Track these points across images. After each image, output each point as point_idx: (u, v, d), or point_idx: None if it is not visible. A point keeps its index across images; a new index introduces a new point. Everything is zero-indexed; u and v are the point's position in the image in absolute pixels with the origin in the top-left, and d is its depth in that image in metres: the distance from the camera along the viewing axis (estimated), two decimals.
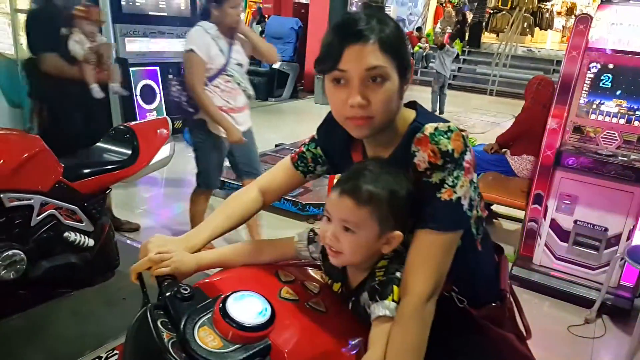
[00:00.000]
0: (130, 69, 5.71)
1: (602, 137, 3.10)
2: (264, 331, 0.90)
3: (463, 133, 1.07)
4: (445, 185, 1.04)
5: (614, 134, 3.07)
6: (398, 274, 1.06)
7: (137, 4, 5.91)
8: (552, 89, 3.61)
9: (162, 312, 0.97)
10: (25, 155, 2.09)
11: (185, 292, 0.98)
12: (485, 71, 13.16)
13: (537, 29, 15.33)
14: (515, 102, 4.31)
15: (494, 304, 1.29)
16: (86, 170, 2.34)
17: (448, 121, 1.09)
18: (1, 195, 2.01)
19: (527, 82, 4.33)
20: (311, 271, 1.28)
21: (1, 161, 1.98)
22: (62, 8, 3.32)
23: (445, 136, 1.04)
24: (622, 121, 3.07)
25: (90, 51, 3.33)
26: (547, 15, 15.04)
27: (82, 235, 2.31)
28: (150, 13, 6.04)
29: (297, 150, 1.36)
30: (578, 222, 3.14)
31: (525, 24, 14.79)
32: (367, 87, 1.03)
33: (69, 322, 2.26)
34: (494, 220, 4.48)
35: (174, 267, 1.12)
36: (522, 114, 4.18)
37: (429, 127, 1.05)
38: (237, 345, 0.88)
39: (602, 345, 2.79)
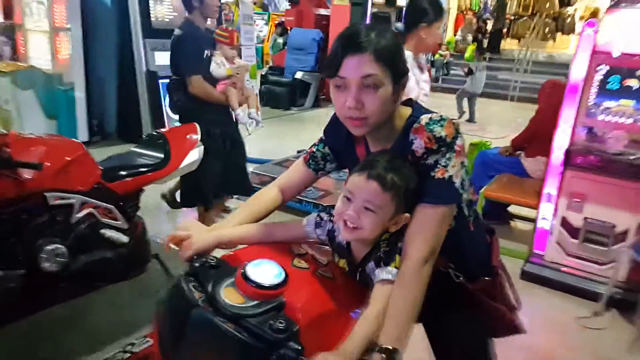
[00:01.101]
0: (160, 81, 5.98)
1: (610, 137, 3.19)
2: (279, 289, 1.08)
3: (454, 121, 1.24)
4: (439, 165, 1.21)
5: (622, 134, 3.16)
6: (400, 245, 1.23)
7: (166, 19, 6.19)
8: (563, 92, 3.71)
9: (192, 279, 1.15)
10: (68, 158, 2.30)
11: (212, 261, 1.17)
12: (507, 77, 13.15)
13: (559, 34, 15.28)
14: (536, 108, 4.47)
15: (487, 278, 1.44)
16: (122, 173, 2.53)
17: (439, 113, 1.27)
18: (46, 194, 2.22)
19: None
20: (320, 247, 1.44)
21: (47, 164, 2.18)
22: (205, 31, 3.44)
23: (439, 124, 1.22)
24: (629, 121, 3.16)
25: (234, 72, 3.40)
26: (569, 20, 14.97)
27: (117, 233, 2.50)
28: None
29: (309, 151, 1.53)
30: (588, 220, 3.23)
31: (547, 30, 14.77)
32: (362, 92, 1.19)
33: (106, 311, 2.45)
34: (510, 221, 4.57)
35: (195, 249, 1.29)
36: (535, 117, 4.29)
37: (424, 118, 1.23)
38: (256, 302, 1.06)
39: (609, 336, 2.87)
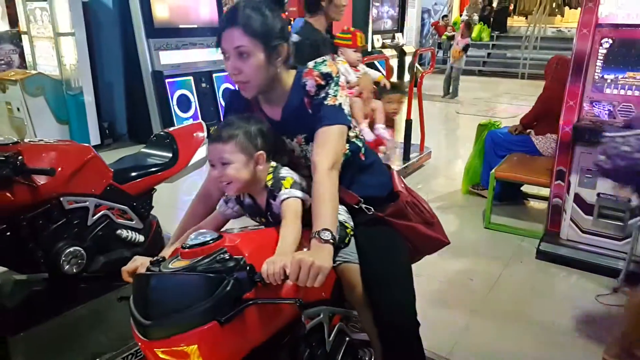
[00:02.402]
0: (166, 80, 6.03)
1: (618, 110, 3.16)
2: (216, 242, 1.20)
3: (335, 62, 1.53)
4: (329, 95, 1.48)
5: (630, 106, 3.13)
6: (281, 174, 1.45)
7: (168, 18, 6.22)
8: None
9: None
10: (79, 162, 2.35)
11: (159, 259, 1.26)
12: (516, 55, 13.02)
13: (566, 8, 15.03)
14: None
15: (393, 203, 1.64)
16: (133, 174, 2.59)
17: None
18: (61, 199, 2.28)
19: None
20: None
21: (59, 169, 2.22)
22: (325, 35, 3.06)
23: (323, 64, 1.50)
24: (637, 93, 3.12)
25: (358, 82, 2.95)
26: None
27: (133, 232, 2.57)
28: (181, 26, 6.34)
29: None
30: (601, 195, 3.20)
31: (554, 4, 14.54)
32: (238, 60, 1.42)
33: (126, 309, 2.48)
34: (524, 200, 4.55)
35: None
36: (543, 94, 4.25)
37: (310, 63, 1.51)
38: (201, 257, 1.17)
39: None
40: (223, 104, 6.13)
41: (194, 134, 3.00)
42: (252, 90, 1.48)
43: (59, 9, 5.56)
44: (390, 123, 3.43)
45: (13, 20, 6.41)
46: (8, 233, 2.19)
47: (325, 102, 1.47)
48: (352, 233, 1.57)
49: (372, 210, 1.58)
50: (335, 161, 1.43)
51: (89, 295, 2.47)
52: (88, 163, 2.37)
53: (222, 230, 1.56)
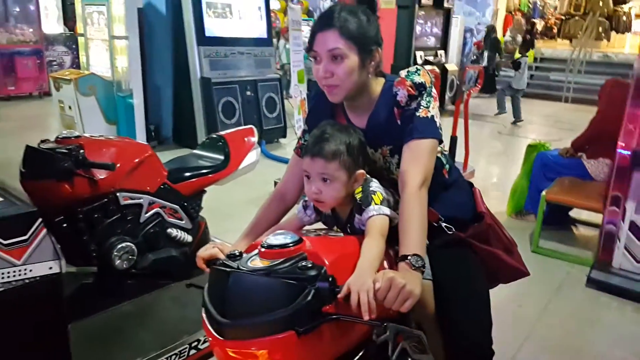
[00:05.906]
0: (213, 87, 6.13)
1: None
2: (297, 246, 1.16)
3: (427, 71, 1.46)
4: (421, 107, 1.42)
5: None
6: (372, 188, 1.40)
7: (219, 27, 6.35)
8: (627, 91, 3.56)
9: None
10: (137, 160, 2.39)
11: (236, 253, 1.23)
12: (559, 78, 12.79)
13: (613, 32, 14.73)
14: (592, 109, 4.24)
15: (476, 224, 1.59)
16: (186, 174, 2.61)
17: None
18: (117, 194, 2.32)
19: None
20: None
21: (119, 164, 2.27)
22: None
23: (416, 74, 1.44)
24: None
25: None
26: (624, 18, 14.40)
27: (182, 232, 2.59)
28: (231, 36, 6.46)
29: (298, 145, 1.65)
30: None
31: (600, 29, 14.25)
32: (331, 63, 1.39)
33: (171, 308, 2.50)
34: (572, 226, 4.42)
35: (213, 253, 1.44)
36: (596, 117, 4.14)
37: (402, 72, 1.46)
38: (281, 260, 1.14)
39: None
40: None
41: (245, 138, 3.02)
42: (340, 95, 1.43)
43: (116, 13, 5.73)
44: None
45: (69, 24, 6.64)
46: (65, 224, 2.23)
47: (417, 114, 1.41)
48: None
49: (453, 229, 1.52)
50: (426, 178, 1.37)
51: (137, 291, 2.49)
52: (145, 161, 2.41)
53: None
